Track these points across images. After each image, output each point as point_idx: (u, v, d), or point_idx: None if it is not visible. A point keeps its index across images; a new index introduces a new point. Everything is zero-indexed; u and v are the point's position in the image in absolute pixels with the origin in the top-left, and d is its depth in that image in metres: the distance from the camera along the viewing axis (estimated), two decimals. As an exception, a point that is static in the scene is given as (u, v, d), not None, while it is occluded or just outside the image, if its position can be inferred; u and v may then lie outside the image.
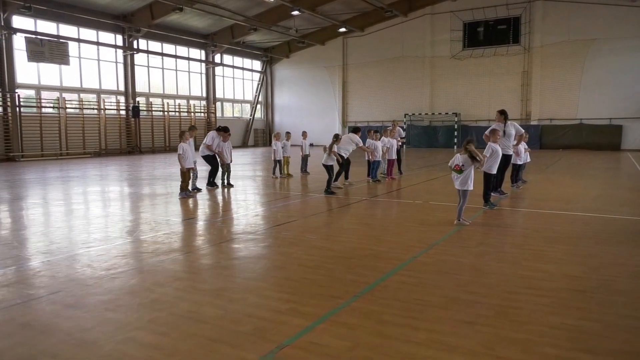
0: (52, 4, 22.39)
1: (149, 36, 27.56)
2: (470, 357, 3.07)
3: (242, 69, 36.37)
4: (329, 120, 35.21)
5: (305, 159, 14.81)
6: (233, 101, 36.46)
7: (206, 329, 3.51)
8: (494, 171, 8.33)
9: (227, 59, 34.64)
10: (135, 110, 26.86)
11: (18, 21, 22.00)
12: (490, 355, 3.09)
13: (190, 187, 10.48)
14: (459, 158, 7.11)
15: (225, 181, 11.84)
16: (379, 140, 12.66)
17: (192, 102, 31.85)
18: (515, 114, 28.41)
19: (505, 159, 9.47)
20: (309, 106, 36.65)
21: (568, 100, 27.99)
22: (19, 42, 21.89)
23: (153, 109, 28.87)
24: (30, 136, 22.55)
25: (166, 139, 29.13)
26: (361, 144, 12.04)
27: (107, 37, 26.16)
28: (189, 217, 8.19)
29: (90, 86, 25.68)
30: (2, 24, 21.15)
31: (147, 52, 28.32)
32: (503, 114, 9.61)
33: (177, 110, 30.42)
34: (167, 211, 8.75)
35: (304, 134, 15.13)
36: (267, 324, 3.59)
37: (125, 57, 27.02)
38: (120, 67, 27.04)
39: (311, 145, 16.92)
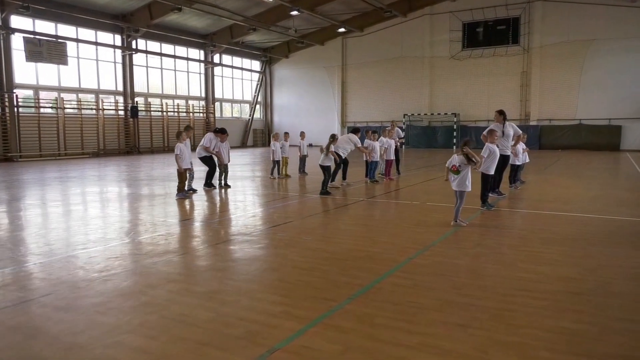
0: (50, 4, 22.33)
1: (148, 36, 27.52)
2: (463, 362, 3.03)
3: (241, 69, 36.33)
4: (328, 120, 35.17)
5: (303, 159, 14.76)
6: (232, 101, 36.41)
7: (197, 332, 3.47)
8: (492, 172, 8.28)
9: (226, 59, 34.60)
10: (134, 110, 26.81)
11: (16, 21, 21.95)
12: (484, 360, 3.05)
13: (185, 188, 10.44)
14: (456, 159, 7.07)
15: (223, 182, 11.80)
16: (377, 140, 12.63)
17: (190, 102, 31.81)
18: (515, 114, 28.39)
19: (504, 159, 9.43)
20: (308, 106, 36.61)
21: (567, 100, 27.95)
22: (17, 42, 21.84)
23: (152, 109, 28.82)
24: (29, 136, 22.50)
25: (165, 139, 29.09)
26: (360, 145, 12.01)
27: (105, 37, 26.11)
28: (185, 218, 8.14)
29: (89, 86, 25.63)
30: (0, 23, 21.09)
31: (146, 52, 28.27)
32: (502, 114, 9.58)
33: (175, 110, 30.38)
34: (164, 212, 8.71)
35: (302, 135, 15.10)
36: (259, 327, 3.55)
37: (123, 57, 26.98)
38: (119, 67, 26.99)
39: (310, 145, 16.88)
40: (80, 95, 25.19)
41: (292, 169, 14.76)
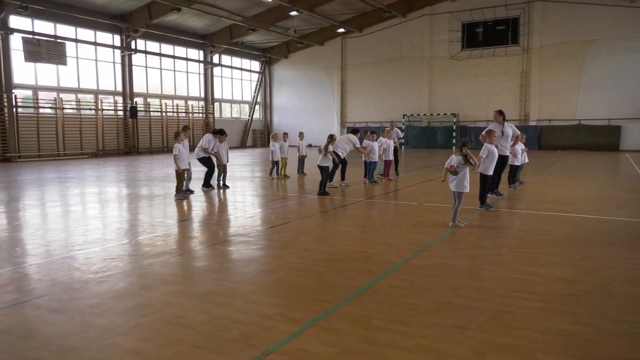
0: (49, 4, 22.30)
1: (147, 36, 27.49)
2: (459, 365, 3.00)
3: (241, 69, 36.30)
4: (327, 120, 35.13)
5: (301, 160, 14.74)
6: (231, 102, 36.38)
7: (191, 334, 3.44)
8: (491, 172, 8.25)
9: (226, 59, 34.57)
10: (133, 110, 26.79)
11: (15, 21, 21.92)
12: (480, 363, 3.02)
13: (183, 189, 10.41)
14: (454, 159, 7.04)
15: (221, 182, 11.77)
16: (376, 141, 12.60)
17: (190, 102, 31.78)
18: (514, 114, 28.36)
19: (502, 160, 9.41)
20: (308, 107, 36.58)
21: (567, 100, 27.93)
22: (16, 42, 21.81)
23: (151, 109, 28.79)
24: (27, 137, 22.46)
25: (164, 140, 29.04)
26: (358, 145, 12.00)
27: (104, 37, 26.08)
28: (183, 219, 8.12)
29: (88, 86, 25.59)
30: (-1, 24, 21.10)
31: (145, 52, 28.24)
32: (501, 115, 9.57)
33: (175, 110, 30.34)
34: (162, 213, 8.68)
35: (301, 135, 15.09)
36: (254, 329, 3.52)
37: (123, 57, 26.95)
38: (118, 67, 26.96)
39: (309, 145, 16.86)
40: (79, 96, 25.16)
41: (291, 170, 14.73)
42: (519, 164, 11.04)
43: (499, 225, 7.31)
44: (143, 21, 25.76)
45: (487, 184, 8.44)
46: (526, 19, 28.41)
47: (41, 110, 23.54)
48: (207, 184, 11.53)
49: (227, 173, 12.16)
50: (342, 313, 3.81)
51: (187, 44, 30.78)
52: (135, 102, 27.40)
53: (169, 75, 30.48)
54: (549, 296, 4.18)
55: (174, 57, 30.29)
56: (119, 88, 27.06)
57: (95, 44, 25.49)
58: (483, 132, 8.47)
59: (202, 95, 32.95)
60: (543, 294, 4.22)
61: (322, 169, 10.55)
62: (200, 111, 32.33)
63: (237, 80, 36.48)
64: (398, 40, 32.20)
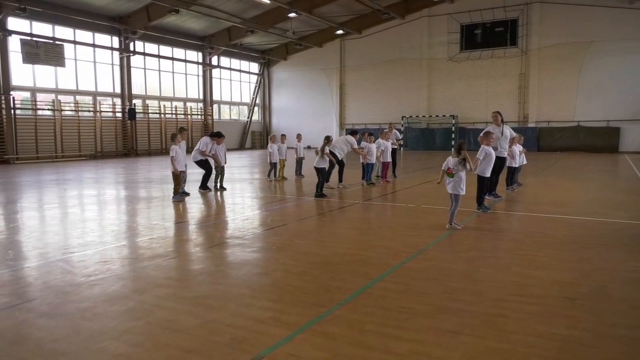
0: (47, 6, 22.28)
1: (146, 38, 27.47)
2: (452, 370, 2.96)
3: (240, 71, 36.29)
4: (326, 122, 35.09)
5: (299, 161, 14.71)
6: (230, 103, 36.36)
7: (182, 339, 3.40)
8: (488, 174, 8.23)
9: (224, 61, 34.56)
10: (132, 112, 26.75)
11: (13, 23, 21.90)
12: (474, 368, 2.98)
13: (179, 191, 10.37)
14: (450, 161, 7.00)
15: (218, 184, 11.73)
16: (374, 142, 12.57)
17: (189, 104, 31.74)
18: (513, 116, 28.36)
19: (501, 161, 9.38)
20: (307, 108, 36.56)
21: (565, 102, 27.92)
22: (14, 44, 21.78)
23: (149, 111, 28.76)
24: (25, 138, 22.41)
25: (162, 142, 28.99)
26: (356, 146, 11.98)
27: (103, 39, 26.06)
28: (179, 221, 8.07)
29: (86, 88, 25.56)
30: (-3, 25, 21.07)
31: (144, 54, 28.22)
32: (500, 115, 9.56)
33: (173, 112, 30.31)
34: (159, 215, 8.64)
35: (299, 137, 15.07)
36: (246, 333, 3.48)
37: (121, 59, 26.93)
38: (117, 69, 26.94)
39: (308, 147, 16.83)
40: (78, 98, 25.11)
41: (289, 172, 14.69)
42: (516, 165, 11.01)
43: (496, 228, 7.27)
44: (141, 23, 25.74)
45: (485, 186, 8.40)
46: (525, 21, 28.42)
47: (39, 112, 23.49)
48: (204, 186, 11.50)
49: (225, 175, 12.12)
50: (335, 317, 3.77)
51: (186, 46, 30.76)
52: (134, 104, 27.37)
53: (167, 77, 30.46)
54: (545, 299, 4.14)
55: (172, 58, 30.27)
56: (118, 90, 27.03)
57: (93, 45, 25.46)
58: (481, 134, 8.44)
59: (201, 97, 32.92)
60: (539, 297, 4.18)
61: (319, 171, 10.51)
62: (199, 113, 32.29)
63: (235, 82, 36.46)
64: (397, 42, 32.20)
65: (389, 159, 13.11)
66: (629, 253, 5.69)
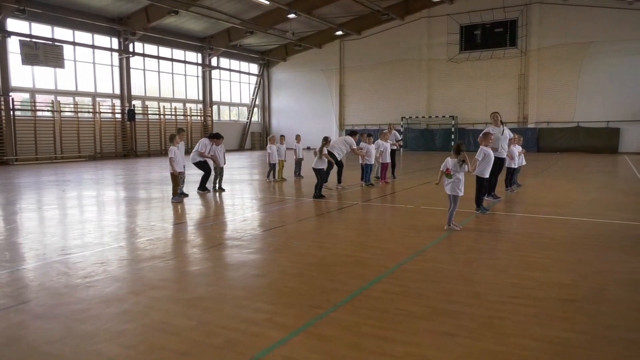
0: (46, 7, 22.27)
1: (145, 39, 27.47)
2: (448, 372, 2.93)
3: (239, 72, 36.28)
4: (326, 123, 35.06)
5: (299, 162, 14.69)
6: (230, 104, 36.34)
7: (176, 341, 3.37)
8: (487, 175, 8.20)
9: (224, 62, 34.55)
10: (131, 113, 26.74)
11: (12, 24, 21.89)
12: (470, 370, 2.96)
13: (178, 192, 10.36)
14: (449, 162, 6.98)
15: (217, 185, 11.71)
16: (373, 143, 12.54)
17: (188, 105, 31.73)
18: (513, 117, 28.35)
19: (500, 162, 9.35)
20: (306, 109, 36.54)
21: (565, 103, 27.91)
22: (13, 45, 21.76)
23: (149, 112, 28.74)
24: (25, 140, 22.39)
25: (162, 143, 28.96)
26: (355, 147, 11.95)
27: (102, 40, 26.05)
28: (178, 222, 8.05)
29: (86, 89, 25.55)
30: (-4, 27, 21.06)
31: (143, 55, 28.22)
32: (500, 116, 9.55)
33: (173, 113, 30.30)
34: (157, 216, 8.61)
35: (298, 138, 15.05)
36: (240, 336, 3.45)
37: (120, 60, 26.92)
38: (116, 70, 26.93)
39: (308, 148, 16.81)
40: (77, 99, 25.11)
41: (288, 172, 14.67)
42: (516, 166, 10.98)
43: (494, 229, 7.24)
44: (141, 24, 25.74)
45: (484, 187, 8.38)
46: (524, 21, 28.41)
47: (39, 113, 23.47)
48: (202, 187, 11.48)
49: (224, 176, 12.11)
50: (331, 319, 3.75)
51: (185, 47, 30.75)
52: (133, 105, 27.36)
53: (167, 78, 30.44)
54: (542, 301, 4.11)
55: (172, 59, 30.26)
56: (117, 91, 27.01)
57: (93, 46, 25.46)
58: (480, 135, 8.42)
59: (201, 98, 32.91)
60: (537, 299, 4.15)
61: (317, 172, 10.48)
62: (199, 114, 32.28)
63: (235, 83, 36.44)
64: (396, 42, 32.19)
65: (388, 160, 13.08)
66: (628, 254, 5.66)
